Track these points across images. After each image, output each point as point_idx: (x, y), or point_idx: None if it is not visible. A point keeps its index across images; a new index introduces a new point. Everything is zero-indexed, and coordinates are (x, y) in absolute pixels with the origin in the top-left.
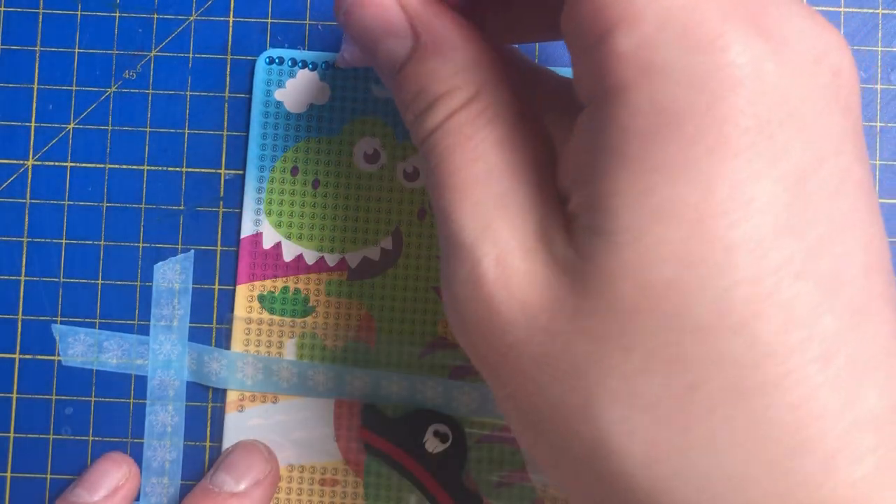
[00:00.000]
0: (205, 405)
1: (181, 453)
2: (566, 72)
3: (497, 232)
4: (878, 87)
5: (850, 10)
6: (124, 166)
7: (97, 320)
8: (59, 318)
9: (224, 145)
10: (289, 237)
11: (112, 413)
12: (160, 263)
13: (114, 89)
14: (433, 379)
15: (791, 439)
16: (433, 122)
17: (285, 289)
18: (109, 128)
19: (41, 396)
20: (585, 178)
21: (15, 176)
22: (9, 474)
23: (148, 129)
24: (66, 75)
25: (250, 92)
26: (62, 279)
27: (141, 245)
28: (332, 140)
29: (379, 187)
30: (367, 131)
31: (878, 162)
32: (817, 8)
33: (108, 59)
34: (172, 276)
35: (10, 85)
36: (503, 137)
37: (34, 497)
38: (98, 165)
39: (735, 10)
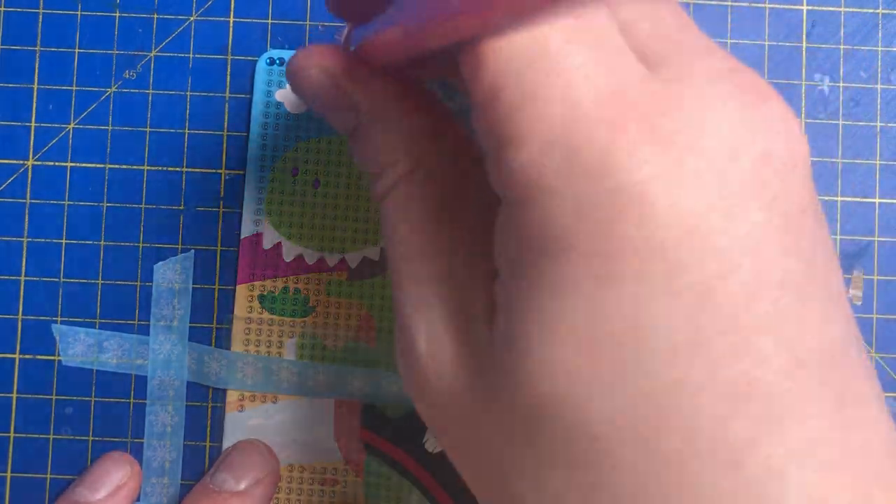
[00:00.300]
0: (205, 405)
1: (181, 453)
2: None
3: (431, 310)
4: (878, 87)
5: (850, 10)
6: (124, 166)
7: (97, 320)
8: (59, 318)
9: (224, 145)
10: (289, 237)
11: (112, 413)
12: (160, 263)
13: (114, 89)
14: None
15: None
16: (381, 189)
17: (285, 289)
18: (109, 128)
19: (41, 396)
20: (500, 271)
21: (15, 176)
22: (9, 474)
23: (148, 129)
24: (66, 75)
25: (251, 92)
26: (62, 279)
27: (141, 245)
28: (332, 140)
29: None
30: None
31: (878, 162)
32: (817, 8)
33: (108, 59)
34: (172, 276)
35: (10, 85)
36: (442, 210)
37: (34, 497)
38: (98, 165)
39: (628, 118)
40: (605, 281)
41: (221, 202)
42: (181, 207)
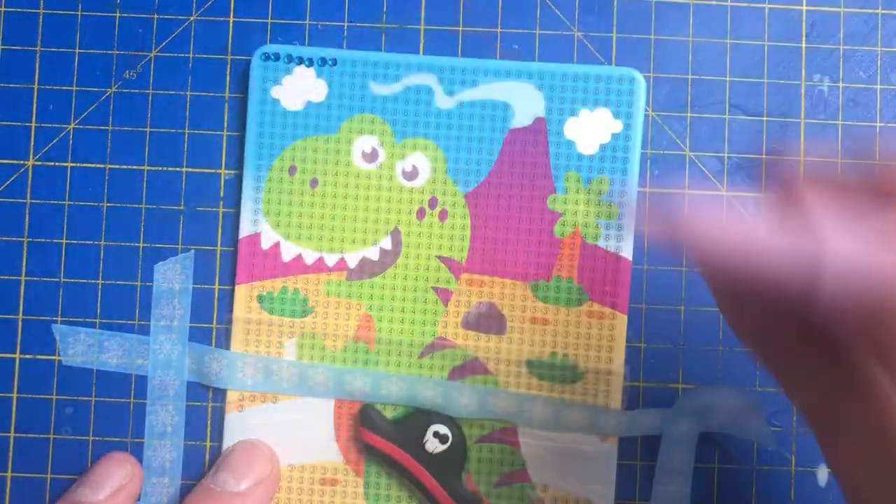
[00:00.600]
0: (205, 405)
1: (181, 453)
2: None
3: None
4: (878, 87)
5: (850, 10)
6: (124, 166)
7: (97, 320)
8: (59, 318)
9: (224, 145)
10: (287, 237)
11: (112, 413)
12: (160, 263)
13: (114, 89)
14: (433, 379)
15: None
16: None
17: (284, 289)
18: (109, 128)
19: (41, 396)
20: None
21: (15, 176)
22: (9, 474)
23: (148, 129)
24: (66, 75)
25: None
26: (62, 279)
27: (141, 245)
28: (329, 138)
29: (378, 186)
30: (366, 129)
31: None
32: (817, 8)
33: (108, 59)
34: (172, 276)
35: (10, 85)
36: None
37: (34, 497)
38: (98, 165)
39: None
40: None
41: (221, 202)
42: (181, 207)
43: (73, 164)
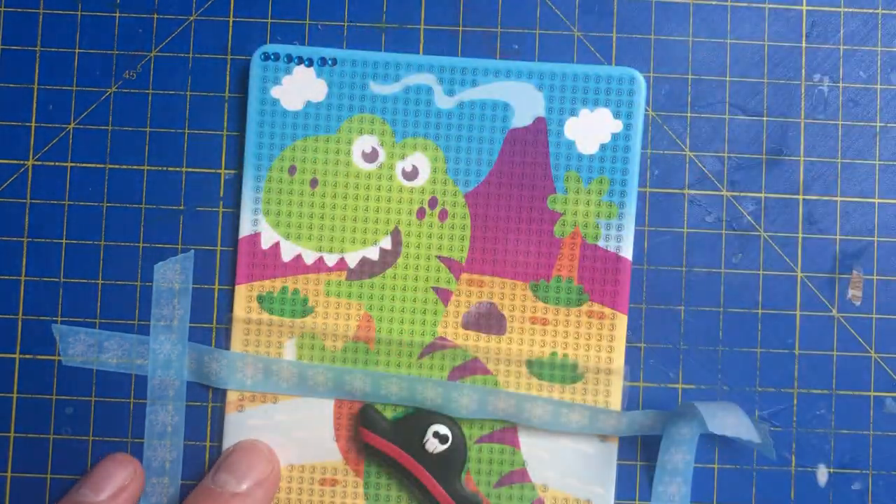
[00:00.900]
0: (205, 405)
1: (181, 453)
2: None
3: None
4: (878, 87)
5: (850, 10)
6: (124, 166)
7: (97, 320)
8: (59, 318)
9: (224, 145)
10: (287, 237)
11: (112, 413)
12: (160, 263)
13: (114, 89)
14: (433, 379)
15: None
16: None
17: (284, 289)
18: (109, 128)
19: (41, 396)
20: None
21: (15, 176)
22: (9, 474)
23: (148, 129)
24: (66, 75)
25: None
26: (62, 279)
27: (141, 245)
28: (329, 138)
29: (378, 186)
30: (366, 129)
31: (878, 162)
32: (817, 8)
33: (108, 59)
34: (172, 276)
35: (10, 85)
36: None
37: (34, 497)
38: (98, 165)
39: None
40: None
41: (221, 202)
42: (181, 207)
43: (73, 164)
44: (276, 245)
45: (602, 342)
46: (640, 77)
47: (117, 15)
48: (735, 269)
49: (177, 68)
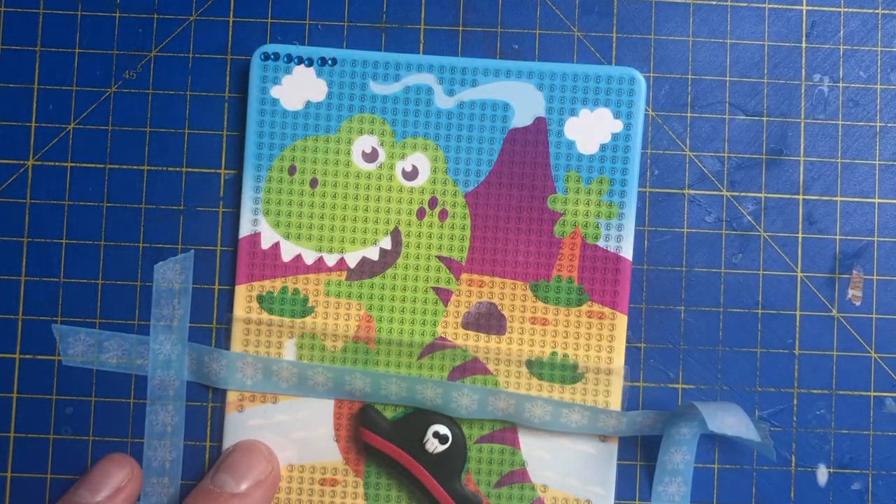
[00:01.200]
0: (205, 405)
1: (181, 453)
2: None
3: None
4: (878, 87)
5: (850, 10)
6: (124, 166)
7: (97, 320)
8: (59, 318)
9: (224, 145)
10: (287, 237)
11: (112, 413)
12: (160, 263)
13: (114, 89)
14: (433, 379)
15: None
16: None
17: (284, 289)
18: (109, 128)
19: (41, 396)
20: None
21: (15, 176)
22: (9, 474)
23: (148, 129)
24: (66, 75)
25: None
26: (62, 279)
27: (141, 245)
28: (329, 138)
29: (378, 186)
30: (366, 129)
31: (878, 162)
32: (817, 8)
33: (108, 59)
34: (172, 276)
35: (10, 85)
36: None
37: (34, 497)
38: (98, 165)
39: None
40: None
41: (221, 202)
42: (181, 207)
43: (73, 164)
44: (276, 245)
45: (602, 342)
46: (640, 77)
47: (117, 15)
48: (735, 269)
49: (177, 68)
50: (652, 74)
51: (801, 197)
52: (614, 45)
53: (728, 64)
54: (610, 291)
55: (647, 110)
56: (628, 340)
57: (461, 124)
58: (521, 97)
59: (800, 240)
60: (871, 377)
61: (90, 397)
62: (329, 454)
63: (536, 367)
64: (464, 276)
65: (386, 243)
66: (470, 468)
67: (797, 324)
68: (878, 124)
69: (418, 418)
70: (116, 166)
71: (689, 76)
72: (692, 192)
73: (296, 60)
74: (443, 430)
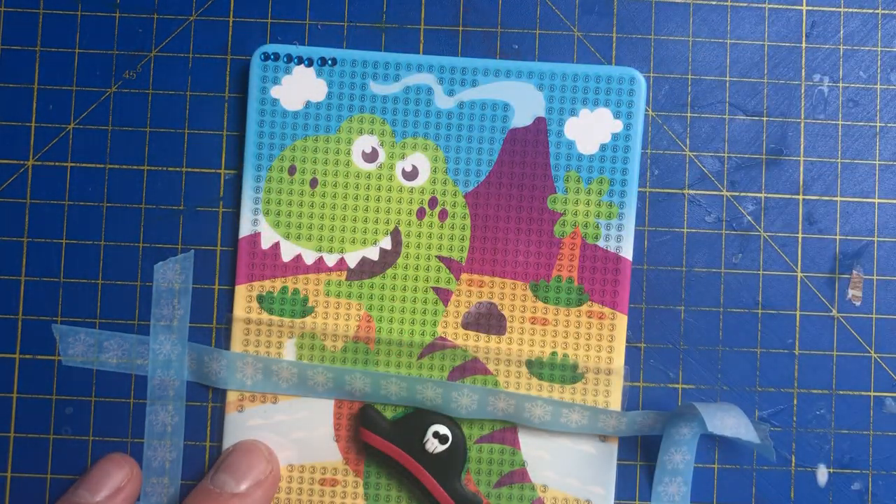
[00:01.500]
0: (205, 405)
1: (181, 453)
2: (578, 68)
3: None
4: (878, 87)
5: (850, 10)
6: (124, 166)
7: (97, 320)
8: (59, 318)
9: (224, 145)
10: (287, 237)
11: (112, 413)
12: (160, 263)
13: (114, 89)
14: (433, 379)
15: None
16: None
17: (284, 289)
18: (109, 128)
19: (41, 396)
20: None
21: (15, 176)
22: (9, 474)
23: (148, 129)
24: (66, 75)
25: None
26: (62, 279)
27: (141, 245)
28: (329, 138)
29: (378, 186)
30: (366, 129)
31: (878, 162)
32: (817, 8)
33: (108, 59)
34: (172, 276)
35: (10, 85)
36: None
37: (34, 497)
38: (98, 165)
39: None
40: None
41: (221, 202)
42: (181, 207)
43: (73, 164)
44: (276, 245)
45: (602, 342)
46: (640, 77)
47: (117, 15)
48: (735, 269)
49: (177, 68)
50: (652, 74)
51: (801, 197)
52: (614, 45)
53: (728, 64)
54: (610, 291)
55: (647, 110)
56: (628, 340)
57: (461, 124)
58: (521, 97)
59: (800, 240)
60: (871, 377)
61: (90, 397)
62: (329, 454)
63: (536, 367)
64: (464, 276)
65: (386, 243)
66: (470, 468)
67: (797, 324)
68: (878, 124)
69: (418, 418)
70: (116, 166)
71: (689, 76)
72: (692, 192)
73: (296, 60)
74: (443, 430)
